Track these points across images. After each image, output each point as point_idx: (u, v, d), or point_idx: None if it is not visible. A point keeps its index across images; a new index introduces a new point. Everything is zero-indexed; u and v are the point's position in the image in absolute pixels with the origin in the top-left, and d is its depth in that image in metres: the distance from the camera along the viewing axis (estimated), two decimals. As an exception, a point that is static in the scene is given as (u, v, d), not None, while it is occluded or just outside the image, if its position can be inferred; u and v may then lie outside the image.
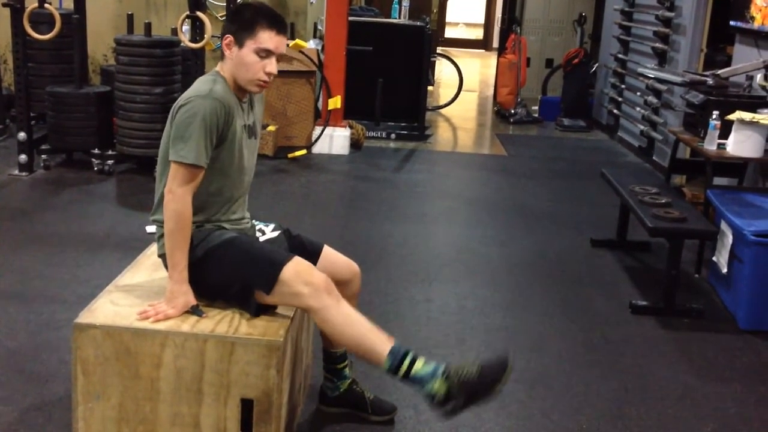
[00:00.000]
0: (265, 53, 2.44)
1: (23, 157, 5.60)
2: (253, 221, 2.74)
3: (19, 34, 5.45)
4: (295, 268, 2.39)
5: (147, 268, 2.73)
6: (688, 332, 3.73)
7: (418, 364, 2.35)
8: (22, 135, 5.57)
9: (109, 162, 5.73)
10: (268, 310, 2.45)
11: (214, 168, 2.46)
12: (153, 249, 2.78)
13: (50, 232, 4.55)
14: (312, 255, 2.64)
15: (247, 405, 2.34)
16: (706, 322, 3.84)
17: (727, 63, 5.98)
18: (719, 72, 5.16)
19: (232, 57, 2.46)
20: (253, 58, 2.43)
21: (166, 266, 2.47)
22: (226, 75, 2.50)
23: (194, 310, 2.41)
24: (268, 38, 2.44)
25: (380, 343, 2.37)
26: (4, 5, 5.45)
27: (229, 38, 2.47)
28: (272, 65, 2.46)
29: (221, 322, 2.38)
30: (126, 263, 2.83)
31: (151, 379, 2.33)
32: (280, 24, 2.48)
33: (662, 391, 3.18)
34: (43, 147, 5.79)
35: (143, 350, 2.32)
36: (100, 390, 2.35)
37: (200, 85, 2.46)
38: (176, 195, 2.37)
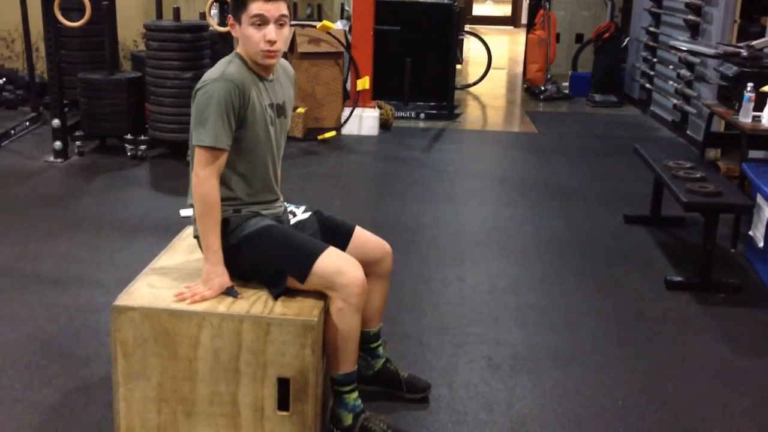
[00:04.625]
0: (259, 20, 2.44)
1: (58, 144, 5.68)
2: (285, 203, 2.75)
3: (50, 22, 5.51)
4: (334, 262, 2.41)
5: (182, 251, 2.76)
6: (725, 307, 3.70)
7: (353, 395, 2.59)
8: (56, 122, 5.65)
9: (142, 147, 5.79)
10: (289, 293, 2.47)
11: (240, 149, 2.48)
12: (188, 232, 2.81)
13: (86, 217, 4.62)
14: (343, 236, 2.65)
15: (283, 384, 2.37)
16: (742, 297, 3.80)
17: (761, 34, 5.87)
18: (753, 43, 5.07)
19: (238, 35, 2.51)
20: (251, 30, 2.45)
21: (201, 247, 2.51)
22: (243, 55, 2.53)
23: (229, 291, 2.43)
24: (258, 6, 2.43)
25: (348, 362, 2.54)
26: (35, -6, 5.52)
27: (231, 18, 2.52)
28: (270, 32, 2.45)
29: (256, 302, 2.40)
30: (161, 246, 2.86)
31: (189, 359, 2.37)
32: None
33: (698, 367, 3.16)
34: (77, 133, 5.87)
35: (181, 331, 2.35)
36: (139, 371, 2.39)
37: (216, 67, 2.51)
38: (200, 178, 2.41)
